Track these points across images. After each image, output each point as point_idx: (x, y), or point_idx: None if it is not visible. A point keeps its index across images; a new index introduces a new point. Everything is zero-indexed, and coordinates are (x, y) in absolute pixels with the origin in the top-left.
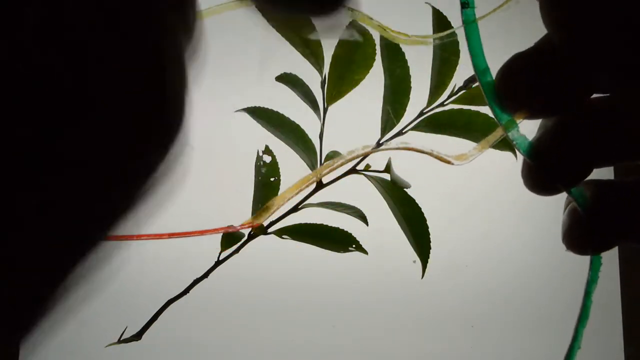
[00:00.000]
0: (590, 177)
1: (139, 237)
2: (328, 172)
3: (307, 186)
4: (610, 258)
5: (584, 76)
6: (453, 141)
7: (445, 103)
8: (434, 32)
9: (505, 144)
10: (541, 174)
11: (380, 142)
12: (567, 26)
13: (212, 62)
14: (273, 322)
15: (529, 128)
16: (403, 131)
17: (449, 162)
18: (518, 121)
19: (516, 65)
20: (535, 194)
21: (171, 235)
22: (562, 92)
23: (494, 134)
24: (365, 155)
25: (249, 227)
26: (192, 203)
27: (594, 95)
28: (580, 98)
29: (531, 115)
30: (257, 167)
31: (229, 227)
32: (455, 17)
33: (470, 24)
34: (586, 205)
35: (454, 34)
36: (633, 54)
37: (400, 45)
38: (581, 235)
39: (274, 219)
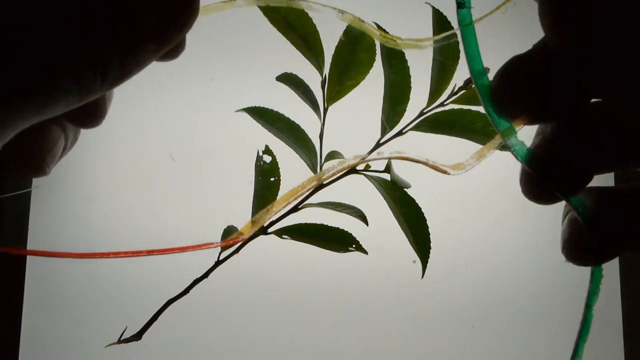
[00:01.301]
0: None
1: (116, 254)
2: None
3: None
4: (612, 263)
5: (581, 80)
6: (453, 141)
7: (445, 103)
8: (434, 31)
9: (505, 146)
10: (540, 183)
11: (380, 142)
12: (564, 29)
13: (213, 63)
14: (273, 321)
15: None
16: (403, 131)
17: (445, 172)
18: (517, 128)
19: (514, 68)
20: (535, 203)
21: (150, 252)
22: (560, 96)
23: (491, 143)
24: (360, 163)
25: (233, 242)
26: (193, 202)
27: (593, 100)
28: (578, 102)
29: (529, 121)
30: (257, 167)
31: (210, 243)
32: (454, 17)
33: (466, 26)
34: (586, 215)
35: (451, 37)
36: (627, 60)
37: None
38: (581, 247)
39: (273, 219)
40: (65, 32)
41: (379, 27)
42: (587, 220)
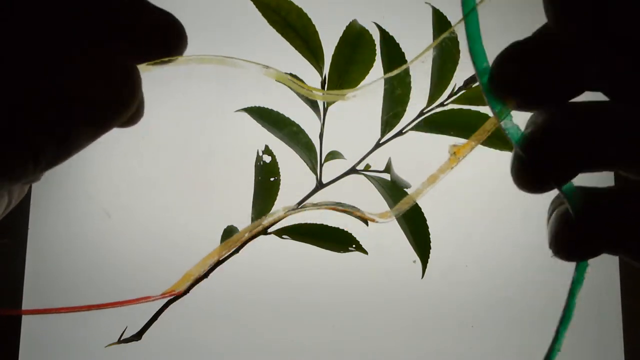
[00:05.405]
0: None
1: (58, 310)
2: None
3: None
4: (612, 257)
5: (578, 68)
6: (452, 141)
7: (445, 103)
8: (434, 31)
9: (504, 144)
10: (531, 168)
11: (380, 142)
12: (567, 14)
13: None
14: (273, 322)
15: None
16: (403, 131)
17: (373, 220)
18: (510, 111)
19: (513, 52)
20: (525, 192)
21: (89, 308)
22: (555, 82)
23: (407, 199)
24: (282, 218)
25: (170, 295)
26: (193, 202)
27: (592, 99)
28: (572, 91)
29: (523, 104)
30: (257, 167)
31: (148, 297)
32: (454, 17)
33: (469, 13)
34: (578, 207)
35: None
36: (629, 51)
37: (400, 45)
38: (570, 240)
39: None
40: None
41: (378, 27)
42: (578, 213)
